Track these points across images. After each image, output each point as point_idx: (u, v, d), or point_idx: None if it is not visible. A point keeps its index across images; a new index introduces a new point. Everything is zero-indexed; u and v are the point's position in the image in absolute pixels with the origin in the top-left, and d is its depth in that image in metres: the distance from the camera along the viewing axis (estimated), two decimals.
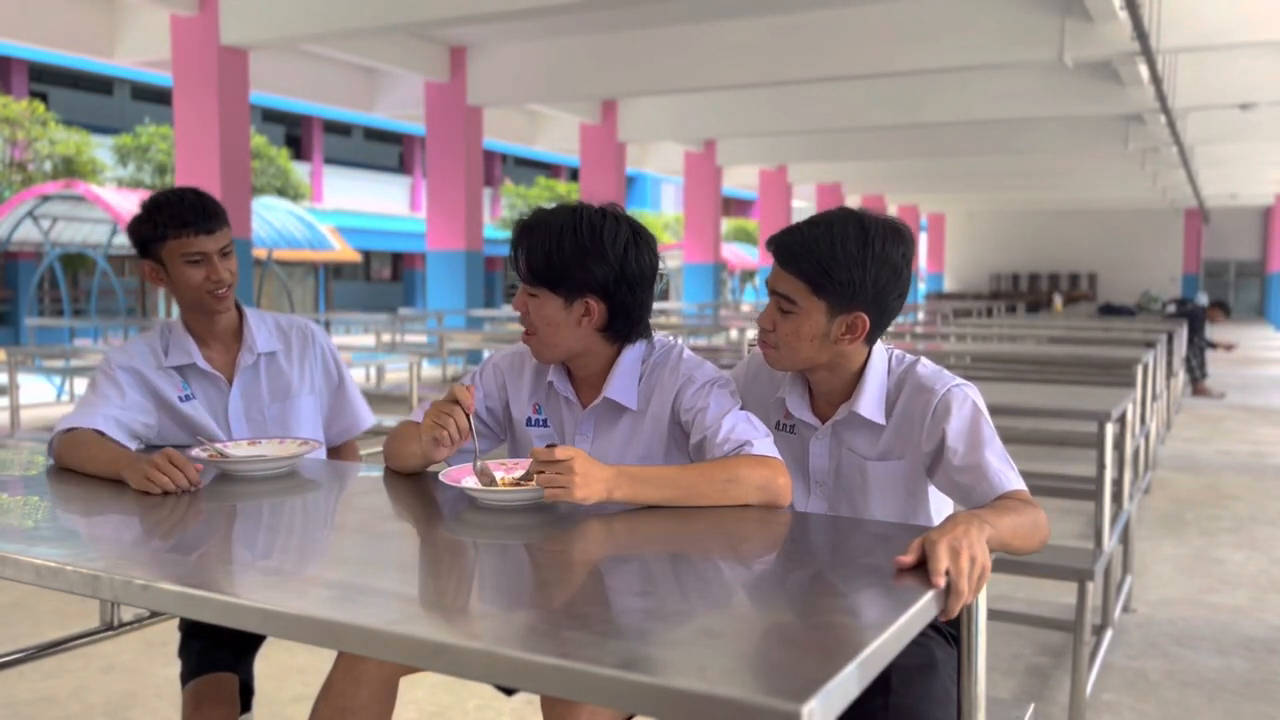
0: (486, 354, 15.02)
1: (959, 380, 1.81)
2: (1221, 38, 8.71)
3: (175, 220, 2.21)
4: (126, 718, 2.99)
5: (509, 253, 1.88)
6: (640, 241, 1.84)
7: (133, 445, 2.22)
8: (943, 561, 1.31)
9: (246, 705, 2.17)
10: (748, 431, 1.77)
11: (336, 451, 2.58)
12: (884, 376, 1.85)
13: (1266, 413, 9.78)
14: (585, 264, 1.80)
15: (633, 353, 1.92)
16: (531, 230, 1.83)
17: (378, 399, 8.62)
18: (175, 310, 2.38)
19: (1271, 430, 8.66)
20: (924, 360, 1.85)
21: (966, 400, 1.77)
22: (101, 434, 2.11)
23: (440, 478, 1.79)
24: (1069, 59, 9.06)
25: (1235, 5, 8.54)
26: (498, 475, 1.80)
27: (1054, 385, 4.72)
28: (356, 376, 7.28)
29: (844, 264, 1.71)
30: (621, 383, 1.90)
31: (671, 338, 2.00)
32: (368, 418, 2.55)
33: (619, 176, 14.45)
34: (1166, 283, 29.91)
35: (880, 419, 1.83)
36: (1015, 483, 1.71)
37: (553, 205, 1.87)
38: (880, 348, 1.87)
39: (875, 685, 1.40)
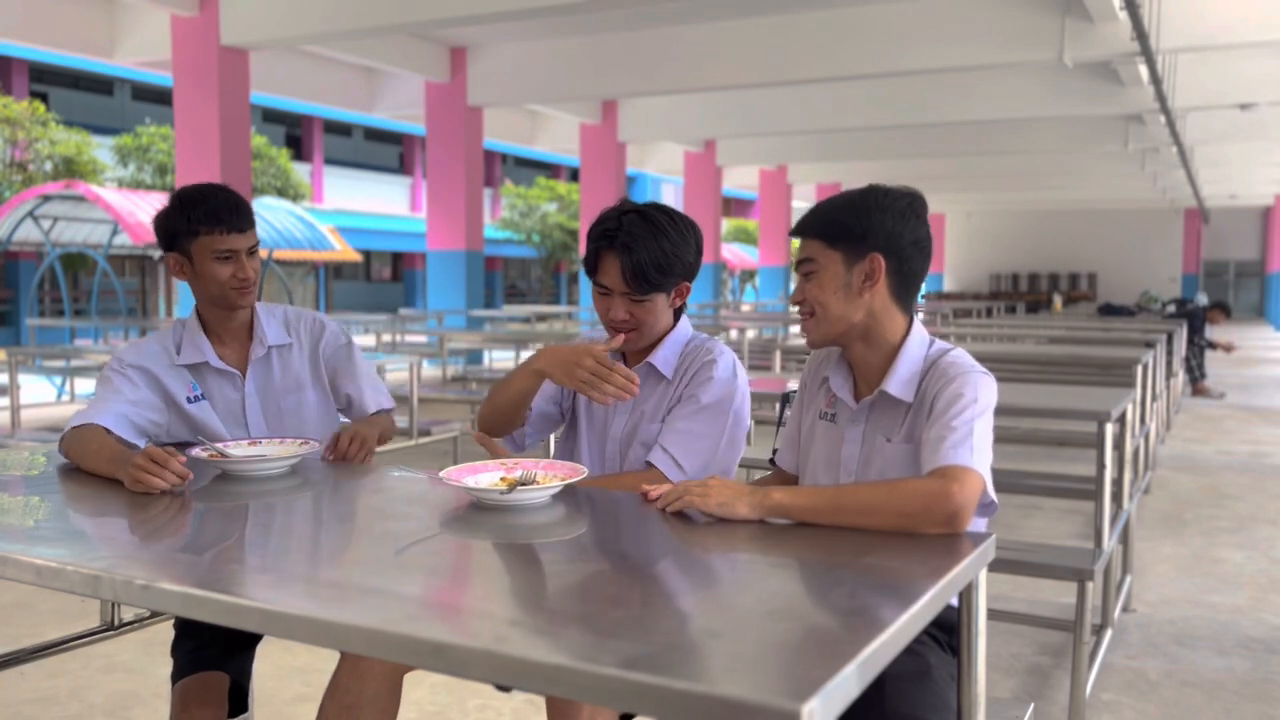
0: (487, 355, 14.82)
1: (983, 370, 1.78)
2: (1221, 38, 8.72)
3: (209, 217, 2.23)
4: (126, 718, 2.99)
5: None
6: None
7: (141, 442, 2.22)
8: (668, 497, 1.66)
9: (242, 706, 2.16)
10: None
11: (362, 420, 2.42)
12: (920, 358, 1.83)
13: (1266, 413, 9.78)
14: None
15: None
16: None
17: None
18: (177, 310, 2.38)
19: (1271, 430, 8.66)
20: (960, 350, 1.82)
21: (970, 385, 1.72)
22: (108, 431, 2.11)
23: (441, 477, 1.79)
24: (1069, 59, 9.06)
25: (1235, 5, 8.54)
26: (498, 475, 1.80)
27: (1054, 385, 4.72)
28: None
29: (848, 211, 1.82)
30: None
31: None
32: (376, 403, 2.42)
33: (619, 176, 14.46)
34: (1166, 283, 29.90)
35: (909, 398, 1.80)
36: (956, 459, 1.61)
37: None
38: (921, 330, 1.86)
39: (870, 694, 1.40)
